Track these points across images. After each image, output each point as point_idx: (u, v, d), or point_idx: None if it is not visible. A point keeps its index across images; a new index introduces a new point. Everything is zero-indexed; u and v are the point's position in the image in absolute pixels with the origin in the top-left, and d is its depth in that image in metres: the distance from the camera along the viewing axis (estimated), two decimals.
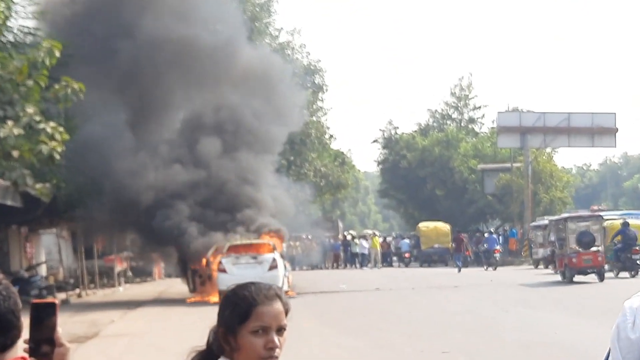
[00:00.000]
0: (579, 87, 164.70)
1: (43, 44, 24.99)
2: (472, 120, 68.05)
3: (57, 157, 23.43)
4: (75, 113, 26.68)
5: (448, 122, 67.71)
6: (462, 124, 67.16)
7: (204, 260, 26.33)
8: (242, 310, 2.59)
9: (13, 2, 23.89)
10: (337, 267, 49.75)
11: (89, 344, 15.82)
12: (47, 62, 23.87)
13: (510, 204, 51.77)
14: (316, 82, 51.20)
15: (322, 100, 52.25)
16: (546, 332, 14.58)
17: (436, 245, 49.10)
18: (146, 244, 30.94)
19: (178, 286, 31.06)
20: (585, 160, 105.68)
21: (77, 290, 28.96)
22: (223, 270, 23.87)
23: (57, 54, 24.33)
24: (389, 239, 58.19)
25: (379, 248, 49.88)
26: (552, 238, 33.02)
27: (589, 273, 27.53)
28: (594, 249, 27.47)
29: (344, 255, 50.55)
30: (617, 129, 48.85)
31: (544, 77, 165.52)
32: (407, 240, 52.81)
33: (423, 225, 51.84)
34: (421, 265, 48.94)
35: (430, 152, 60.18)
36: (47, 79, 23.74)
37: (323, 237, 53.41)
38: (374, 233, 55.74)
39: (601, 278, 27.23)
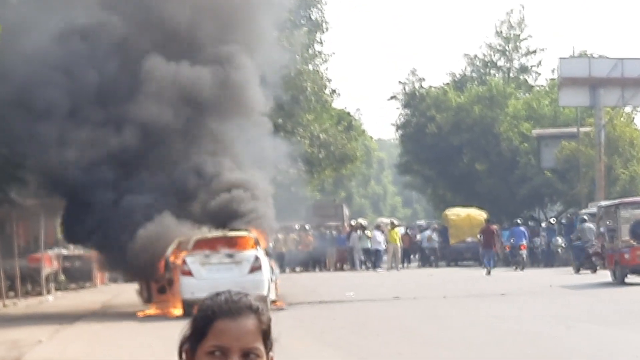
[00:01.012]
0: None
1: None
2: (524, 70, 68.16)
3: None
4: None
5: (492, 71, 67.75)
6: (512, 75, 67.19)
7: (162, 261, 26.32)
8: (199, 325, 2.66)
9: None
10: (342, 268, 49.80)
11: None
12: None
13: (577, 183, 51.81)
14: (313, 17, 51.09)
15: (320, 43, 52.21)
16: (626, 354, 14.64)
17: (469, 239, 49.41)
18: (83, 238, 31.02)
19: (127, 294, 31.12)
20: None
21: None
22: (188, 273, 23.87)
23: None
24: (412, 230, 58.22)
25: (399, 243, 49.76)
26: (602, 229, 33.98)
27: None
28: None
29: (352, 252, 50.56)
30: None
31: (620, 13, 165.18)
32: (428, 232, 52.86)
33: (452, 212, 52.47)
34: (448, 265, 49.82)
35: (468, 113, 60.27)
36: None
37: (323, 228, 53.47)
38: (392, 222, 55.72)
39: None
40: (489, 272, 38.61)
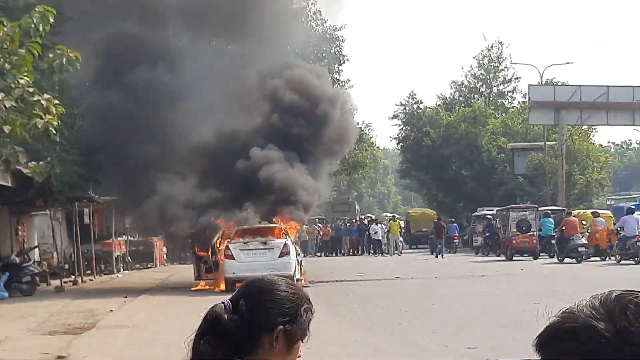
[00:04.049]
0: (619, 58, 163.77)
1: (36, 9, 24.95)
2: (501, 95, 67.92)
3: (53, 132, 23.51)
4: (72, 84, 26.72)
5: (475, 96, 67.59)
6: (491, 99, 66.99)
7: (209, 247, 26.32)
8: (308, 321, 2.55)
9: None
10: (354, 254, 49.73)
11: (86, 336, 15.83)
12: (41, 29, 23.90)
13: (543, 186, 51.63)
14: (333, 52, 50.97)
15: (338, 73, 52.04)
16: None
17: (424, 229, 54.70)
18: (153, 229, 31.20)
19: (181, 273, 31.15)
20: (625, 138, 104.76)
21: (73, 277, 29.06)
22: (230, 257, 23.86)
23: (51, 20, 24.34)
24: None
25: (399, 233, 49.71)
26: (498, 225, 41.54)
27: (525, 253, 37.23)
28: (529, 233, 37.02)
29: (362, 241, 50.48)
30: None
31: (580, 48, 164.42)
32: None
33: (412, 211, 62.96)
34: (410, 248, 54.71)
35: (456, 129, 60.13)
36: (41, 48, 23.79)
37: (338, 221, 53.43)
38: (394, 217, 55.71)
39: (535, 257, 36.53)
40: (436, 256, 41.99)
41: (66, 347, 14.33)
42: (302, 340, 2.54)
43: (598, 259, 33.82)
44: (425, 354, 12.73)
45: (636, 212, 32.15)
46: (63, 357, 13.27)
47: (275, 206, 27.93)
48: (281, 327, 2.47)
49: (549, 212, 40.13)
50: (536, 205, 42.28)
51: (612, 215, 38.59)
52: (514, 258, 36.54)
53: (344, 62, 52.31)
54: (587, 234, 34.90)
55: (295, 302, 2.52)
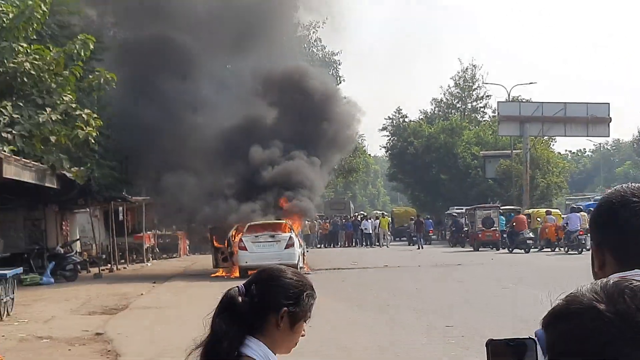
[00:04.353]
0: (575, 79, 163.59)
1: (78, 37, 24.99)
2: (474, 110, 67.87)
3: (92, 141, 23.56)
4: (108, 100, 26.69)
5: (452, 111, 67.50)
6: (466, 113, 66.93)
7: (225, 240, 26.29)
8: (310, 303, 2.55)
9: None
10: (349, 246, 49.69)
11: (120, 316, 15.84)
12: (82, 54, 23.93)
13: (510, 188, 51.59)
14: (331, 73, 50.97)
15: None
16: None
17: (405, 225, 53.28)
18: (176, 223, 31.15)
19: (201, 262, 31.13)
20: (580, 147, 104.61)
21: (109, 265, 29.05)
22: (244, 248, 23.84)
23: (91, 46, 24.36)
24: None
25: (387, 228, 49.73)
26: (467, 221, 42.56)
27: (489, 246, 37.58)
28: (492, 228, 37.88)
29: (355, 235, 50.44)
30: (610, 119, 48.43)
31: (542, 70, 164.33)
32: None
33: (396, 209, 64.12)
34: (394, 240, 53.46)
35: (436, 139, 60.02)
36: (82, 70, 23.82)
37: (336, 218, 53.38)
38: (383, 214, 55.69)
39: (497, 249, 36.93)
40: (419, 247, 41.83)
41: (103, 325, 14.34)
42: (304, 321, 2.54)
43: (549, 250, 34.31)
44: (410, 331, 12.73)
45: (582, 211, 32.62)
46: (100, 334, 13.27)
47: (284, 199, 27.89)
48: (286, 308, 2.49)
49: (502, 211, 41.62)
50: (498, 205, 43.57)
51: (560, 213, 39.21)
52: (480, 249, 37.33)
53: (340, 83, 52.30)
54: (540, 229, 35.90)
55: (299, 287, 2.54)
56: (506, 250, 35.42)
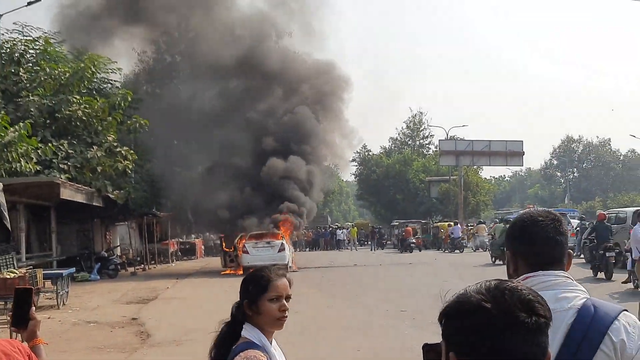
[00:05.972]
0: (498, 120, 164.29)
1: (119, 91, 24.90)
2: (422, 146, 68.06)
3: (129, 171, 23.50)
4: (143, 140, 26.56)
5: (405, 147, 67.72)
6: (415, 148, 67.17)
7: (232, 245, 26.13)
8: (262, 285, 2.54)
9: (97, 62, 23.83)
10: (328, 250, 49.49)
11: (151, 305, 15.69)
12: (122, 104, 23.87)
13: (449, 205, 51.76)
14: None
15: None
16: None
17: (362, 231, 53.49)
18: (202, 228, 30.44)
19: (214, 263, 30.90)
20: (501, 173, 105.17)
21: (142, 266, 28.78)
22: (246, 252, 23.70)
23: (129, 98, 24.31)
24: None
25: (356, 236, 49.70)
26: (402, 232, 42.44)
27: (413, 249, 37.24)
28: (417, 237, 39.40)
29: (332, 241, 50.30)
30: (524, 152, 48.81)
31: (473, 113, 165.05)
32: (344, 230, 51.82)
33: (356, 222, 66.06)
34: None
35: (393, 168, 60.16)
36: (122, 116, 23.77)
37: (317, 228, 53.21)
38: (353, 225, 55.55)
39: (420, 250, 37.27)
40: (372, 250, 43.37)
41: (137, 312, 14.20)
42: (267, 301, 2.52)
43: (442, 250, 36.81)
44: (374, 314, 12.71)
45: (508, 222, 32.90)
46: (135, 319, 13.13)
47: (281, 213, 27.58)
48: (246, 300, 2.56)
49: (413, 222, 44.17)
50: (422, 220, 46.33)
51: (452, 225, 38.93)
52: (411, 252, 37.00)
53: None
54: (443, 236, 38.37)
55: (245, 282, 2.59)
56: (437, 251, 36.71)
